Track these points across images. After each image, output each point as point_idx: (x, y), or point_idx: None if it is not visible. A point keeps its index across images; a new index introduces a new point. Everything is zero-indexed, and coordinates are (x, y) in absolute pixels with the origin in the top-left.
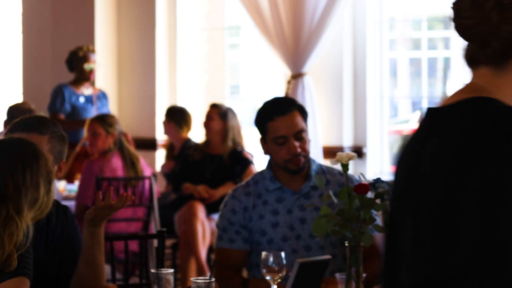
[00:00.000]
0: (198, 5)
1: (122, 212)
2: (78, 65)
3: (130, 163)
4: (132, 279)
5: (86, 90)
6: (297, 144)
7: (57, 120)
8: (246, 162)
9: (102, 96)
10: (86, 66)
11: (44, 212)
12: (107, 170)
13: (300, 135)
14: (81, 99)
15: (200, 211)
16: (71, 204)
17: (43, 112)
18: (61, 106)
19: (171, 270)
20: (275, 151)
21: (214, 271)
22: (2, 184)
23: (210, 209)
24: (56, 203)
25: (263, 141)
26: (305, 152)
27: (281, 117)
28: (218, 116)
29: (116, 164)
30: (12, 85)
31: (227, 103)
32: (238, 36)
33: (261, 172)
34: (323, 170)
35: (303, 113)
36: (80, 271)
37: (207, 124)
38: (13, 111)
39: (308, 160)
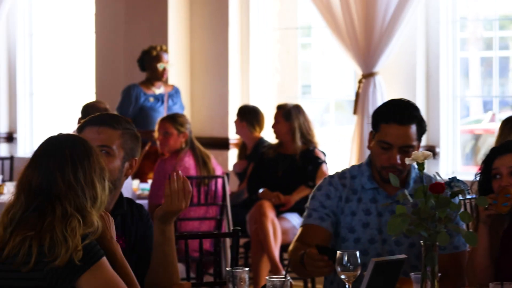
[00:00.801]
0: (270, 5)
1: (194, 211)
2: (150, 64)
3: (202, 162)
4: (204, 278)
5: (157, 90)
6: (398, 156)
7: None
8: (317, 161)
9: (175, 93)
10: (159, 66)
11: (101, 209)
12: (180, 169)
13: (406, 149)
14: (151, 99)
15: (270, 210)
16: (144, 203)
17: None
18: (127, 108)
19: (246, 269)
20: (377, 153)
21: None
22: (53, 183)
23: (281, 211)
24: (131, 202)
25: (372, 135)
26: (403, 167)
27: (396, 125)
28: (283, 118)
29: (189, 163)
30: (85, 85)
31: (299, 102)
32: (309, 36)
33: (360, 167)
34: (421, 178)
35: (421, 128)
36: (153, 269)
37: (273, 127)
38: (89, 110)
39: (405, 171)
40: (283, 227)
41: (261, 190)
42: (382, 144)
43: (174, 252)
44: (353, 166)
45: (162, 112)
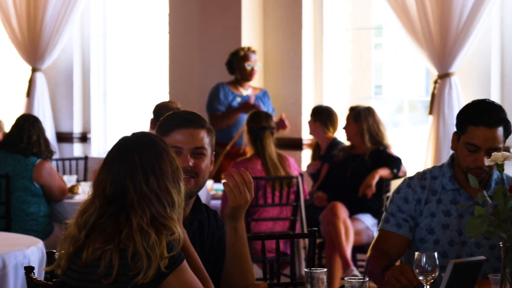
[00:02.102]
0: (344, 6)
1: (268, 211)
2: (239, 64)
3: (272, 166)
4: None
5: (244, 91)
6: (486, 158)
7: (215, 118)
8: (389, 158)
9: (263, 95)
10: (247, 65)
11: (180, 210)
12: (251, 172)
13: (493, 151)
14: (238, 99)
15: (342, 211)
16: (217, 203)
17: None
18: (216, 107)
19: (324, 270)
20: (463, 155)
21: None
22: (126, 192)
23: (354, 210)
24: (206, 208)
25: (457, 136)
26: (490, 169)
27: (484, 128)
28: (352, 119)
29: (260, 166)
30: (158, 85)
31: (371, 103)
32: (380, 37)
33: (441, 167)
34: (503, 179)
35: (507, 130)
36: (227, 270)
37: (344, 129)
38: (161, 110)
39: (489, 172)
40: (356, 228)
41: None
42: (469, 146)
43: (248, 251)
44: (434, 167)
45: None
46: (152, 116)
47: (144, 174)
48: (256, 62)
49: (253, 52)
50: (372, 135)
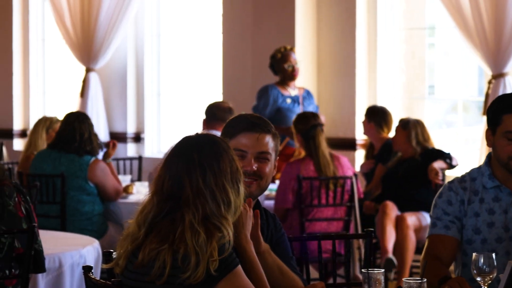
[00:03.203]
0: (397, 5)
1: (322, 211)
2: (279, 67)
3: (325, 165)
4: (330, 279)
5: (292, 91)
6: None
7: None
8: (437, 152)
9: (307, 95)
10: (287, 66)
11: (237, 214)
12: (305, 173)
13: None
14: (288, 100)
15: (393, 210)
16: (270, 203)
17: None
18: (263, 108)
19: (382, 270)
20: (502, 145)
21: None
22: (182, 188)
23: (404, 209)
24: (265, 212)
25: (491, 132)
26: None
27: None
28: (401, 128)
29: (313, 167)
30: (212, 85)
31: (425, 103)
32: (433, 36)
33: (479, 169)
34: None
35: None
36: (272, 285)
37: (393, 139)
38: (213, 110)
39: None
40: (421, 224)
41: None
42: (508, 135)
43: (276, 258)
44: (472, 169)
45: (298, 111)
46: (205, 117)
47: (201, 171)
48: (296, 61)
49: (291, 51)
50: (419, 141)
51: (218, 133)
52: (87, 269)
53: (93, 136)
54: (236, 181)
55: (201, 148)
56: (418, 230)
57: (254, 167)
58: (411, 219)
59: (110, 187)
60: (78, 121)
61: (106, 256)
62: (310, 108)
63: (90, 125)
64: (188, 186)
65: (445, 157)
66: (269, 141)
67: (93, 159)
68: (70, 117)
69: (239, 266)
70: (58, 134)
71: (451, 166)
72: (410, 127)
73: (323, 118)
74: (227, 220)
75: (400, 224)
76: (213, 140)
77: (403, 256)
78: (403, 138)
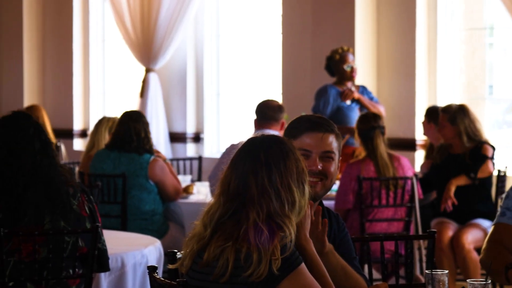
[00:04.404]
0: (457, 5)
1: (382, 212)
2: (337, 68)
3: (383, 166)
4: (392, 279)
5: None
6: None
7: None
8: (483, 157)
9: (364, 90)
10: (346, 67)
11: (301, 214)
12: (365, 174)
13: None
14: (348, 102)
15: (445, 235)
16: (330, 203)
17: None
18: (324, 107)
19: (446, 271)
20: None
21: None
22: (248, 187)
23: (463, 214)
24: (328, 211)
25: None
26: None
27: None
28: (448, 122)
29: (373, 167)
30: (271, 86)
31: (485, 103)
32: (491, 36)
33: None
34: None
35: None
36: (337, 279)
37: (440, 132)
38: (263, 109)
39: None
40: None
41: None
42: None
43: (340, 258)
44: None
45: (357, 111)
46: (256, 117)
47: (267, 170)
48: (354, 62)
49: (349, 51)
50: (469, 136)
51: (270, 132)
52: (152, 269)
53: (148, 134)
54: (302, 181)
55: (267, 148)
56: (480, 240)
57: (319, 167)
58: (469, 236)
59: (169, 186)
60: (132, 120)
61: (170, 257)
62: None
63: (144, 124)
64: (254, 185)
65: (471, 170)
66: (333, 141)
67: (152, 157)
68: (125, 116)
69: (303, 265)
70: (114, 134)
71: (474, 180)
72: (458, 122)
73: (382, 109)
74: (290, 220)
75: (457, 248)
76: (280, 141)
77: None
78: (452, 133)
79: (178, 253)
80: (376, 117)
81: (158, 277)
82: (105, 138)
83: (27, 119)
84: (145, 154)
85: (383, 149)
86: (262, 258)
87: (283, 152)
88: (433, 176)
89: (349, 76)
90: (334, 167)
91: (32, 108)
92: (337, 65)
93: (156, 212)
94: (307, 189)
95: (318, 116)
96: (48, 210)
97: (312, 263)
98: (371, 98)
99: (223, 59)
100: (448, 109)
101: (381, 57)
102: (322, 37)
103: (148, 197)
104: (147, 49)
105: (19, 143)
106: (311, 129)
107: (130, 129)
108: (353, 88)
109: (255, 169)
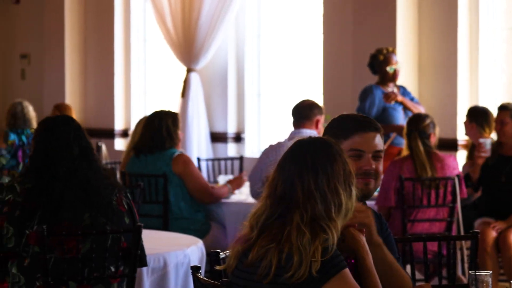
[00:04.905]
0: (498, 4)
1: (424, 212)
2: (380, 68)
3: (420, 166)
4: (434, 280)
5: (394, 89)
6: None
7: None
8: None
9: (404, 91)
10: (389, 69)
11: (348, 216)
12: (406, 172)
13: None
14: (392, 102)
15: (489, 235)
16: (371, 203)
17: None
18: (370, 108)
19: (489, 272)
20: None
21: None
22: (293, 191)
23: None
24: (372, 210)
25: None
26: None
27: None
28: (511, 118)
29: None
30: (312, 86)
31: None
32: None
33: None
34: None
35: None
36: (383, 282)
37: (501, 130)
38: (295, 109)
39: None
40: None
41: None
42: None
43: (388, 253)
44: None
45: (401, 111)
46: (293, 119)
47: (314, 173)
48: (398, 63)
49: (393, 52)
50: None
51: (307, 131)
52: (195, 269)
53: (171, 131)
54: (349, 184)
55: (314, 151)
56: None
57: (373, 166)
58: None
59: (193, 183)
60: (150, 121)
61: (213, 257)
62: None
63: (163, 121)
64: (299, 188)
65: None
66: (380, 140)
67: (177, 152)
68: (146, 120)
69: (346, 270)
70: (148, 135)
71: None
72: None
73: (423, 110)
74: (335, 223)
75: (504, 247)
76: (327, 143)
77: None
78: None
79: (221, 253)
80: (420, 119)
81: (201, 277)
82: None
83: (67, 124)
84: (169, 150)
85: (419, 150)
86: (303, 260)
87: (330, 155)
88: (481, 176)
89: (391, 78)
90: (381, 165)
91: (60, 106)
92: (381, 66)
93: (197, 213)
94: (354, 191)
95: (364, 115)
96: (87, 206)
97: (362, 268)
98: (411, 99)
99: (264, 59)
100: (509, 105)
101: (423, 57)
102: (363, 37)
103: (189, 198)
104: (188, 49)
105: (56, 149)
106: (362, 129)
107: (148, 131)
108: (395, 90)
109: (301, 172)
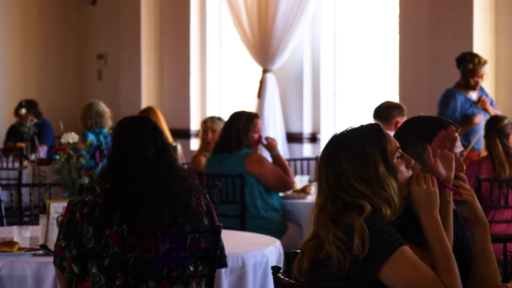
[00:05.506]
0: None
1: (501, 213)
2: (466, 75)
3: (498, 165)
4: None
5: (473, 94)
6: None
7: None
8: None
9: (483, 92)
10: (473, 81)
11: (398, 212)
12: (485, 172)
13: None
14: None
15: None
16: None
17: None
18: (453, 113)
19: None
20: None
21: None
22: (352, 185)
23: None
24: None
25: None
26: None
27: None
28: None
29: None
30: (388, 86)
31: None
32: None
33: None
34: None
35: None
36: (478, 269)
37: None
38: (375, 110)
39: None
40: None
41: None
42: None
43: (488, 239)
44: None
45: (482, 116)
46: (374, 120)
47: (364, 165)
48: (484, 76)
49: (485, 64)
50: None
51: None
52: (276, 270)
53: (244, 131)
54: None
55: (360, 141)
56: None
57: (464, 167)
58: None
59: (271, 176)
60: (228, 122)
61: (292, 257)
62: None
63: (235, 122)
64: (325, 181)
65: None
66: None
67: (249, 151)
68: (228, 120)
69: (404, 247)
70: (227, 135)
71: None
72: None
73: (498, 112)
74: (385, 207)
75: None
76: (381, 135)
77: None
78: None
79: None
80: (499, 120)
81: (282, 277)
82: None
83: (143, 126)
84: (241, 150)
85: (499, 149)
86: (345, 252)
87: (378, 148)
88: None
89: (473, 88)
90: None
91: (147, 110)
92: (466, 73)
93: (273, 213)
94: (396, 172)
95: (441, 116)
96: (166, 207)
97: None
98: (491, 102)
99: (340, 59)
100: None
101: (499, 58)
102: (439, 38)
103: (266, 196)
104: (264, 49)
105: (132, 153)
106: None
107: (224, 130)
108: (476, 94)
109: (354, 164)
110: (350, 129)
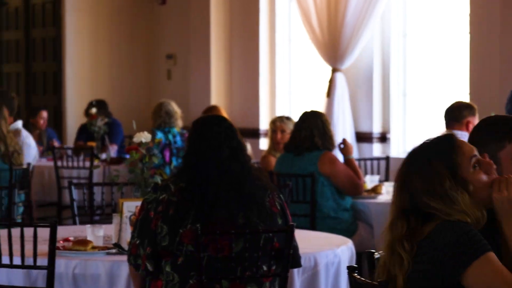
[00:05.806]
0: None
1: None
2: None
3: None
4: None
5: None
6: None
7: None
8: None
9: None
10: None
11: (481, 221)
12: None
13: None
14: None
15: None
16: None
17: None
18: None
19: None
20: None
21: None
22: (425, 203)
23: None
24: None
25: None
26: None
27: None
28: None
29: None
30: (458, 86)
31: None
32: None
33: None
34: None
35: None
36: None
37: None
38: (446, 111)
39: None
40: None
41: None
42: None
43: None
44: None
45: None
46: (446, 119)
47: (431, 180)
48: None
49: None
50: None
51: (457, 133)
52: (351, 270)
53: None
54: (458, 182)
55: (433, 153)
56: None
57: None
58: None
59: (342, 177)
60: (300, 122)
61: (369, 257)
62: None
63: (307, 122)
64: (418, 179)
65: None
66: None
67: (322, 152)
68: (298, 120)
69: (489, 254)
70: (290, 137)
71: None
72: None
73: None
74: (467, 213)
75: None
76: (449, 143)
77: None
78: None
79: (375, 253)
80: None
81: (358, 277)
82: None
83: (218, 125)
84: (314, 151)
85: None
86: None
87: (434, 150)
88: None
89: None
90: None
91: (211, 109)
92: None
93: (344, 212)
94: (467, 185)
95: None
96: (241, 207)
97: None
98: None
99: (410, 58)
100: None
101: None
102: (511, 37)
103: (336, 196)
104: (333, 49)
105: (205, 153)
106: None
107: (297, 131)
108: None
109: (403, 175)
110: (423, 144)
